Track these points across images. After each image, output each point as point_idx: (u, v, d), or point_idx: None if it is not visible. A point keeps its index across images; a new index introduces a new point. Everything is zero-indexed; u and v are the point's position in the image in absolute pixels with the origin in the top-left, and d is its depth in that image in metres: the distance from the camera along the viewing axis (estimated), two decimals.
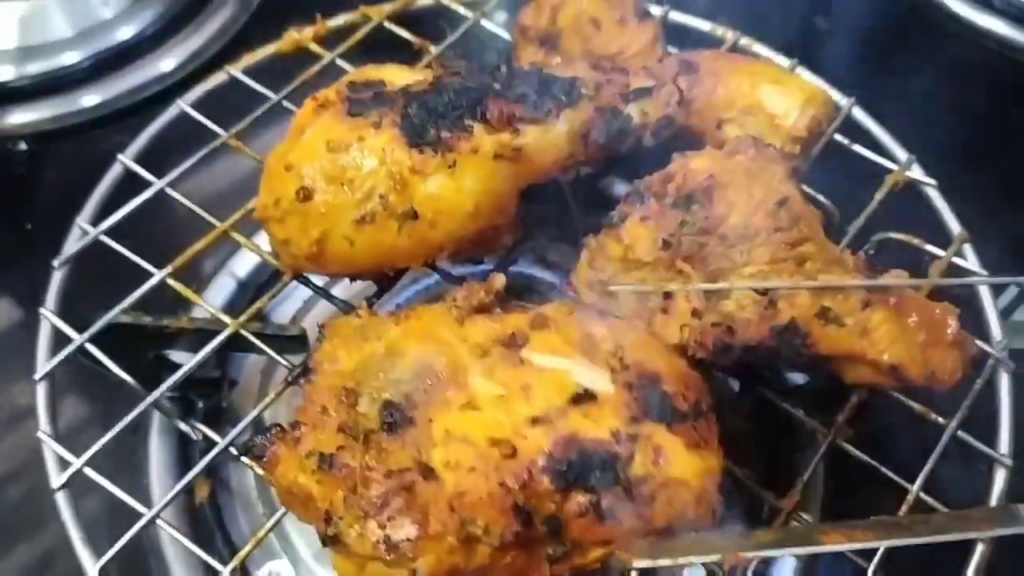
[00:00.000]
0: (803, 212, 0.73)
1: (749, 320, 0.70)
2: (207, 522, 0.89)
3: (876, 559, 0.70)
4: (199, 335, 0.81)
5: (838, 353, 0.71)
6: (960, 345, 0.73)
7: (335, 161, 0.73)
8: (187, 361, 0.77)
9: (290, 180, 0.74)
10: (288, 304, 1.02)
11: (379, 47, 0.95)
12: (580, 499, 0.63)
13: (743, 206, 0.72)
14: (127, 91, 1.22)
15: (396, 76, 0.78)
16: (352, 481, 0.63)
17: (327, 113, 0.75)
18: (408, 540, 0.61)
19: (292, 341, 0.83)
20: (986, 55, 1.27)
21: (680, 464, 0.65)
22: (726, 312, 0.71)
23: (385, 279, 0.81)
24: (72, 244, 0.83)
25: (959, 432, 0.77)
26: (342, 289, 0.91)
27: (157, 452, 0.91)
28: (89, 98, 1.22)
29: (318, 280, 0.83)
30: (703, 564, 0.66)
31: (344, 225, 0.73)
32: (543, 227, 0.87)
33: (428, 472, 0.62)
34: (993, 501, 0.76)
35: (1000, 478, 0.77)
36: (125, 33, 1.26)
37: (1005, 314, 1.04)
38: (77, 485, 0.72)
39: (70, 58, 1.23)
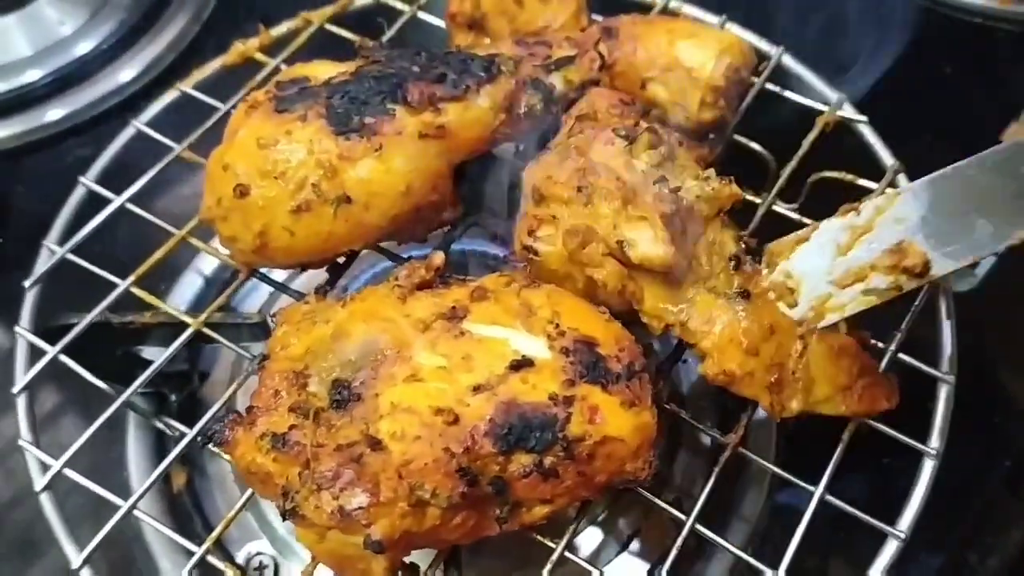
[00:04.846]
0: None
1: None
2: (186, 508, 0.91)
3: None
4: (164, 329, 0.82)
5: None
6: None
7: (266, 156, 0.73)
8: (157, 356, 0.78)
9: (227, 179, 0.74)
10: (255, 296, 1.02)
11: (323, 50, 0.94)
12: (522, 460, 0.63)
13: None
14: (89, 104, 1.24)
15: (321, 71, 0.78)
16: (305, 457, 0.63)
17: (256, 112, 0.75)
18: (360, 508, 0.61)
19: (255, 328, 0.83)
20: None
21: (615, 422, 0.64)
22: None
23: (335, 267, 0.81)
24: (41, 264, 0.84)
25: (900, 354, 0.76)
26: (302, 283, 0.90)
27: (134, 445, 0.93)
28: (53, 113, 1.23)
29: (277, 275, 0.83)
30: None
31: (282, 216, 0.73)
32: (491, 203, 0.86)
33: (376, 443, 0.62)
34: (938, 418, 0.75)
35: (944, 395, 0.76)
36: (83, 48, 1.28)
37: None
38: (61, 483, 0.73)
39: (32, 76, 1.25)
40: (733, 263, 0.70)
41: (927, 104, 1.14)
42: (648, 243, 0.67)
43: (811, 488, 0.71)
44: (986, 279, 0.98)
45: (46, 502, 0.73)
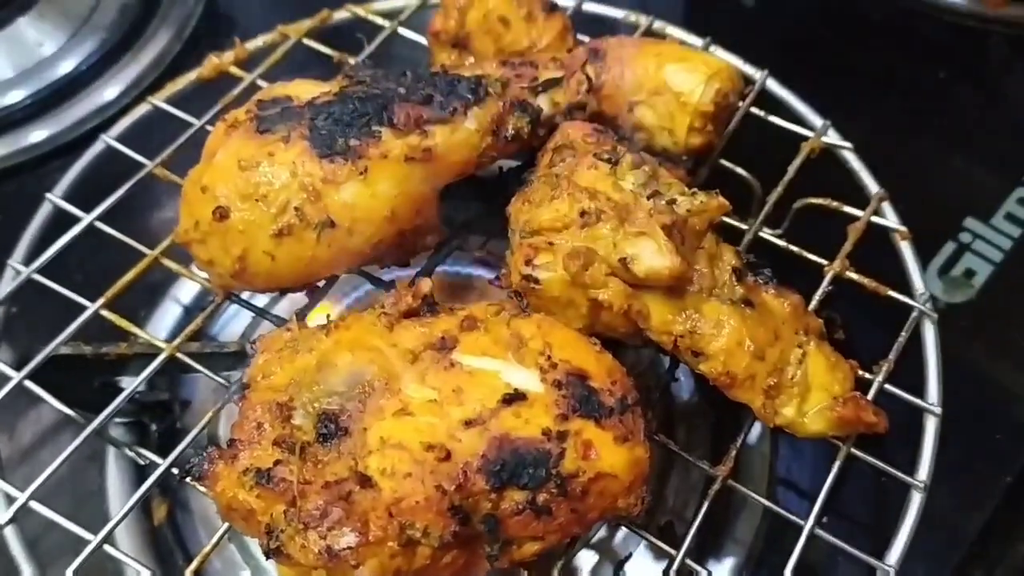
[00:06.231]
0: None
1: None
2: (167, 542, 0.87)
3: None
4: (142, 360, 0.78)
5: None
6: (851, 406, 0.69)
7: (248, 179, 0.70)
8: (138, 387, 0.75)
9: (206, 202, 0.71)
10: (236, 323, 0.99)
11: (301, 65, 0.91)
12: (515, 497, 0.61)
13: None
14: (72, 124, 1.20)
15: (303, 91, 0.75)
16: (291, 494, 0.60)
17: (237, 133, 0.72)
18: (349, 548, 0.58)
19: (234, 357, 0.80)
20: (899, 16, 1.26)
21: (609, 458, 0.62)
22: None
23: (315, 291, 0.79)
24: (5, 285, 0.80)
25: (887, 385, 0.75)
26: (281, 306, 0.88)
27: (114, 479, 0.89)
28: (36, 134, 1.19)
29: (258, 298, 0.80)
30: None
31: (263, 240, 0.70)
32: (474, 225, 0.84)
33: (365, 480, 0.60)
34: (926, 451, 0.74)
35: (931, 427, 0.75)
36: (64, 68, 1.25)
37: (943, 270, 1.03)
38: (37, 519, 0.70)
39: (13, 97, 1.22)
40: (736, 275, 0.70)
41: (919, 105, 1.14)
42: (652, 256, 0.66)
43: (800, 523, 0.70)
44: (982, 290, 0.99)
45: (11, 536, 0.70)
